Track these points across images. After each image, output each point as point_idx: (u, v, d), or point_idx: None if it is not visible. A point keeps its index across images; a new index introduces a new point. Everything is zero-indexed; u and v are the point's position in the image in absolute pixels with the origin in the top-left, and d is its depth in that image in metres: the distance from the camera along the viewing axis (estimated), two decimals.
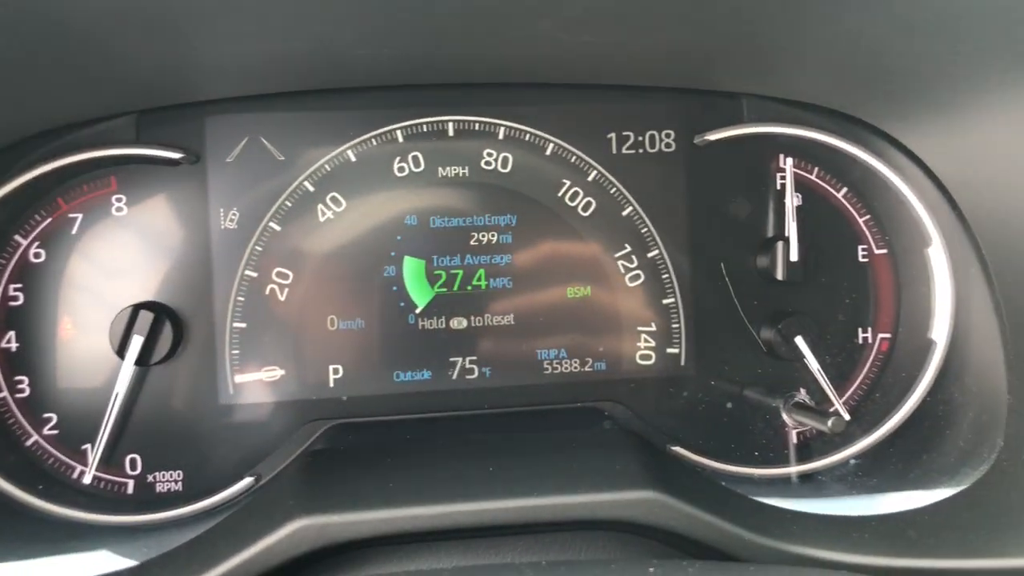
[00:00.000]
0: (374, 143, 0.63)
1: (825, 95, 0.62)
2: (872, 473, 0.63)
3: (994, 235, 0.59)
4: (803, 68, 0.59)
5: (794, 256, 0.64)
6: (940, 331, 0.64)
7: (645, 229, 0.64)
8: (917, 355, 0.65)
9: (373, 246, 0.62)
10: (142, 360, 0.59)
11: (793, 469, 0.65)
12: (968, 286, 0.62)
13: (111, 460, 0.61)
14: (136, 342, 0.59)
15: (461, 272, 0.64)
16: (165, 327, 0.60)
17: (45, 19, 0.46)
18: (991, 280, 0.59)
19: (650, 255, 0.65)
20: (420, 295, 0.63)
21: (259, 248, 0.62)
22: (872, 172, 0.64)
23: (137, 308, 0.59)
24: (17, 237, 0.60)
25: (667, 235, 0.64)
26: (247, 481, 0.60)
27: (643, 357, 0.65)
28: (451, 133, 0.63)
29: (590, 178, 0.64)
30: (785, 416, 0.65)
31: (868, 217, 0.66)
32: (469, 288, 0.64)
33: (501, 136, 0.64)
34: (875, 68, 0.54)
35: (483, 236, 0.64)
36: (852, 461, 0.65)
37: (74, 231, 0.60)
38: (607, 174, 0.64)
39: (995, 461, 0.56)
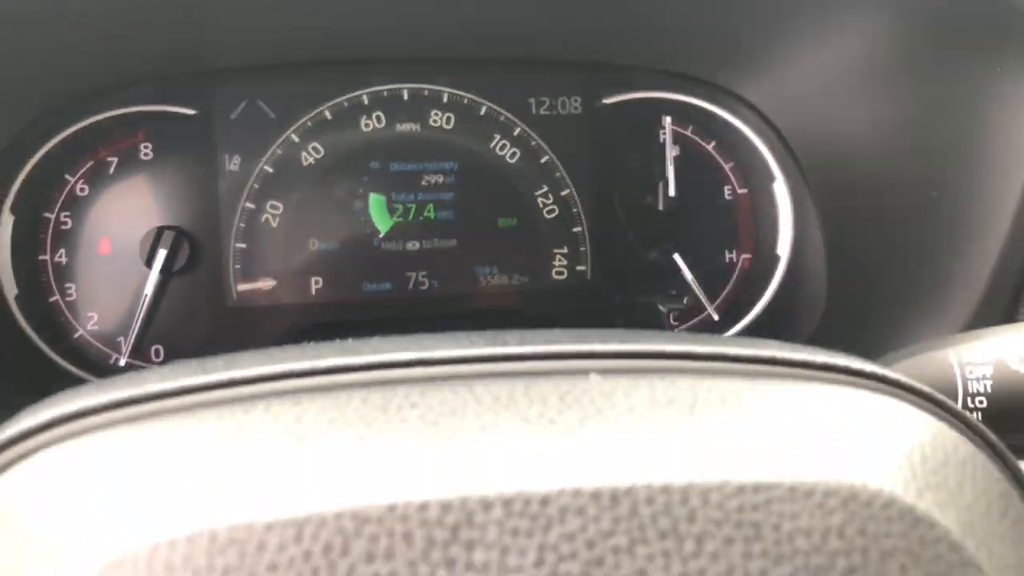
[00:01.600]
0: (345, 104, 0.80)
1: (692, 65, 0.81)
2: None
3: (817, 169, 0.78)
4: (674, 45, 0.78)
5: (671, 192, 0.83)
6: (783, 248, 0.83)
7: (559, 174, 0.83)
8: (768, 268, 0.84)
9: (345, 184, 0.80)
10: (165, 270, 0.76)
11: None
12: (803, 212, 0.81)
13: (140, 349, 0.77)
14: (161, 254, 0.76)
15: (415, 206, 0.81)
16: (183, 244, 0.77)
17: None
18: (817, 206, 0.79)
19: (562, 194, 0.83)
20: (382, 223, 0.81)
21: (256, 186, 0.79)
22: (730, 126, 0.83)
23: (162, 229, 0.76)
24: (67, 176, 0.77)
25: (576, 178, 0.83)
26: None
27: (558, 273, 0.83)
28: (405, 97, 0.81)
29: (515, 133, 0.82)
30: (670, 318, 0.84)
31: (732, 164, 0.84)
32: (421, 218, 0.81)
33: (445, 100, 0.82)
34: (720, 37, 0.74)
35: (431, 178, 0.82)
36: None
37: (111, 171, 0.77)
38: (528, 130, 0.83)
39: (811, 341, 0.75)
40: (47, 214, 0.76)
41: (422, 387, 0.28)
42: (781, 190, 0.82)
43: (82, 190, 0.77)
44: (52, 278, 0.76)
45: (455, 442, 0.25)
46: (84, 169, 0.77)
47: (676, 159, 0.84)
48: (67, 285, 0.77)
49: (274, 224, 0.79)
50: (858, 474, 0.26)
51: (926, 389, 0.31)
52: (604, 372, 0.29)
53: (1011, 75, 0.59)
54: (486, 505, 0.23)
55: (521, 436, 0.26)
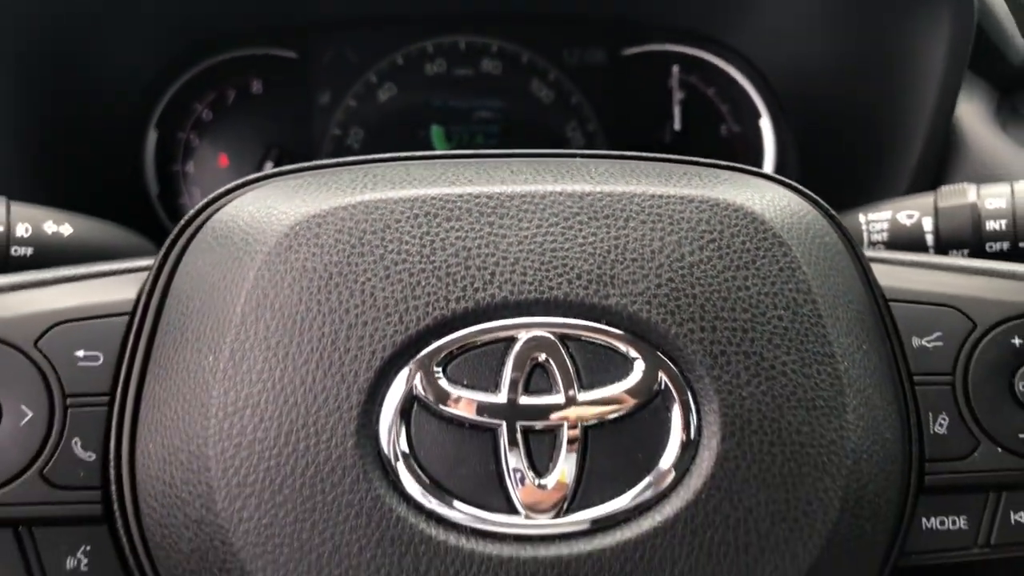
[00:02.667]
0: (413, 52, 1.00)
1: (695, 22, 1.00)
2: None
3: (792, 101, 0.96)
4: (683, 5, 0.97)
5: (677, 127, 1.01)
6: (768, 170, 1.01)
7: (586, 111, 1.02)
8: None
9: (412, 116, 1.00)
10: None
11: None
12: (783, 141, 0.99)
13: None
14: (268, 165, 0.97)
15: (467, 135, 1.01)
16: (285, 161, 0.97)
17: None
18: (795, 136, 0.97)
19: (589, 128, 1.02)
20: (441, 148, 1.01)
21: (341, 116, 0.99)
22: (725, 74, 1.01)
23: (269, 148, 0.97)
24: (196, 104, 0.97)
25: (599, 115, 1.02)
26: None
27: None
28: (462, 47, 1.01)
29: (550, 78, 1.02)
30: None
31: (727, 106, 1.03)
32: (472, 145, 1.01)
33: (494, 50, 1.01)
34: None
35: (481, 114, 1.01)
36: None
37: (230, 102, 0.98)
38: (561, 76, 1.02)
39: None
40: (180, 134, 0.97)
41: (469, 162, 0.47)
42: (766, 125, 1.00)
43: (207, 116, 0.98)
44: (183, 184, 0.97)
45: (487, 172, 0.45)
46: (209, 99, 0.97)
47: (681, 101, 1.02)
48: (194, 189, 0.97)
49: (356, 147, 0.99)
50: (727, 195, 0.44)
51: (784, 179, 0.50)
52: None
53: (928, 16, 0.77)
54: (495, 195, 0.43)
55: (520, 178, 0.45)
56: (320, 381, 0.40)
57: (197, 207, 0.47)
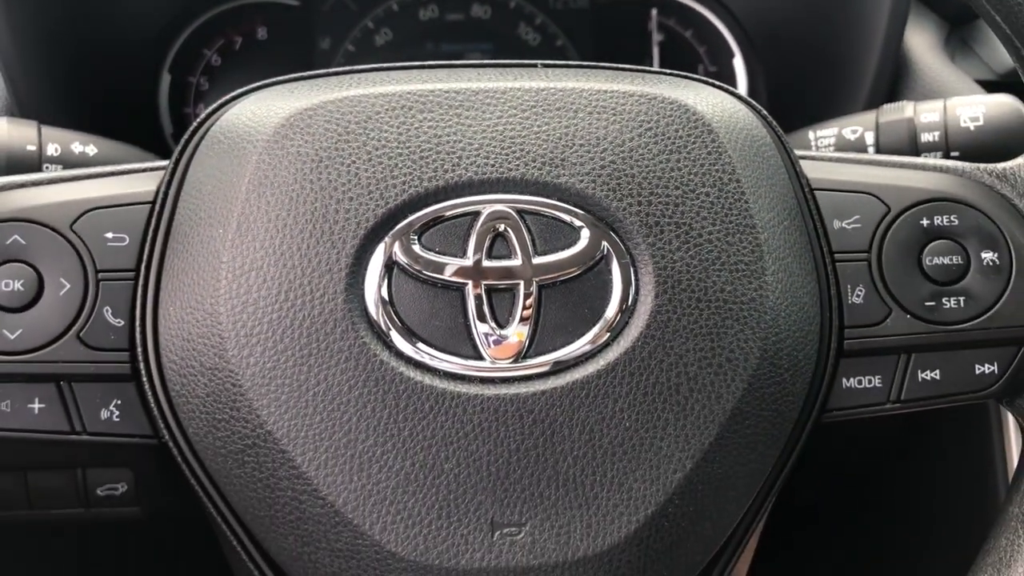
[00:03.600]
0: (408, 1, 1.07)
1: None
2: None
3: (761, 38, 1.03)
4: None
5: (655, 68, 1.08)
6: None
7: (570, 53, 1.08)
8: None
9: (408, 59, 1.06)
10: None
11: None
12: (754, 78, 1.06)
13: None
14: None
15: None
16: None
17: None
18: (764, 72, 1.03)
19: None
20: None
21: (341, 60, 1.06)
22: (699, 15, 1.08)
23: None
24: (205, 50, 1.05)
25: (583, 58, 1.09)
26: None
27: None
28: None
29: (537, 22, 1.08)
30: None
31: (704, 48, 1.09)
32: None
33: None
34: None
35: (473, 56, 1.08)
36: None
37: (237, 47, 1.05)
38: (547, 20, 1.08)
39: None
40: (190, 78, 1.04)
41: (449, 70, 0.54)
42: (739, 64, 1.07)
43: (216, 61, 1.05)
44: None
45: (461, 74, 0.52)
46: (217, 45, 1.04)
47: (660, 43, 1.09)
48: None
49: None
50: (665, 91, 0.51)
51: (725, 86, 0.57)
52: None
53: None
54: (462, 90, 0.50)
55: (485, 77, 0.52)
56: (313, 248, 0.48)
57: (207, 111, 0.55)
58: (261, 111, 0.51)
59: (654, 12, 1.08)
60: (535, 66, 0.55)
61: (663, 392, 0.48)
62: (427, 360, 0.48)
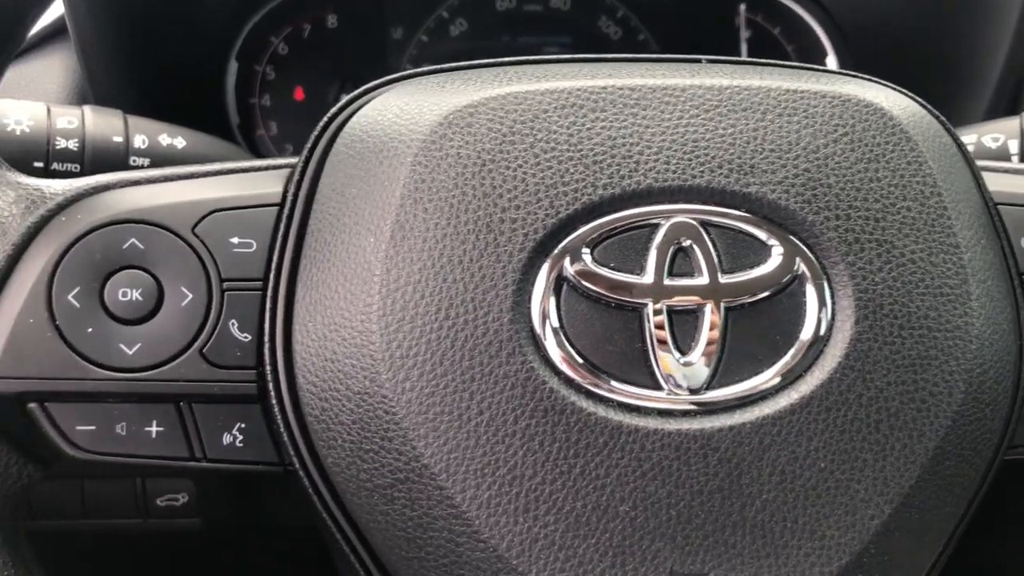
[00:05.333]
0: None
1: None
2: None
3: (857, 39, 0.97)
4: None
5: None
6: None
7: (653, 48, 1.03)
8: None
9: (482, 51, 1.01)
10: None
11: None
12: None
13: None
14: (343, 98, 0.98)
15: None
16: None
17: None
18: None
19: None
20: None
21: (414, 51, 1.01)
22: (791, 12, 1.03)
23: (344, 81, 0.99)
24: (272, 38, 0.99)
25: (666, 53, 1.03)
26: None
27: None
28: None
29: (618, 15, 1.03)
30: None
31: (793, 46, 1.04)
32: None
33: None
34: None
35: (549, 50, 1.03)
36: None
37: (305, 36, 1.00)
38: (629, 13, 1.03)
39: None
40: (256, 67, 0.99)
41: (605, 64, 0.49)
42: (832, 64, 1.02)
43: (283, 49, 0.99)
44: (260, 117, 0.99)
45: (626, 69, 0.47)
46: (285, 33, 0.99)
47: (747, 40, 1.03)
48: (271, 122, 0.99)
49: None
50: (856, 92, 0.46)
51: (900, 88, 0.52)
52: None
53: None
54: (637, 87, 0.45)
55: (658, 73, 0.47)
56: (476, 261, 0.43)
57: (338, 106, 0.50)
58: (412, 108, 0.46)
59: (742, 7, 1.03)
60: (699, 61, 0.50)
61: (861, 430, 0.43)
62: (601, 389, 0.43)
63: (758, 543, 0.43)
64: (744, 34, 1.03)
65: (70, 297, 0.45)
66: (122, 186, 0.48)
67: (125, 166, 0.63)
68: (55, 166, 0.62)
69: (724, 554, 0.43)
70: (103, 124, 0.63)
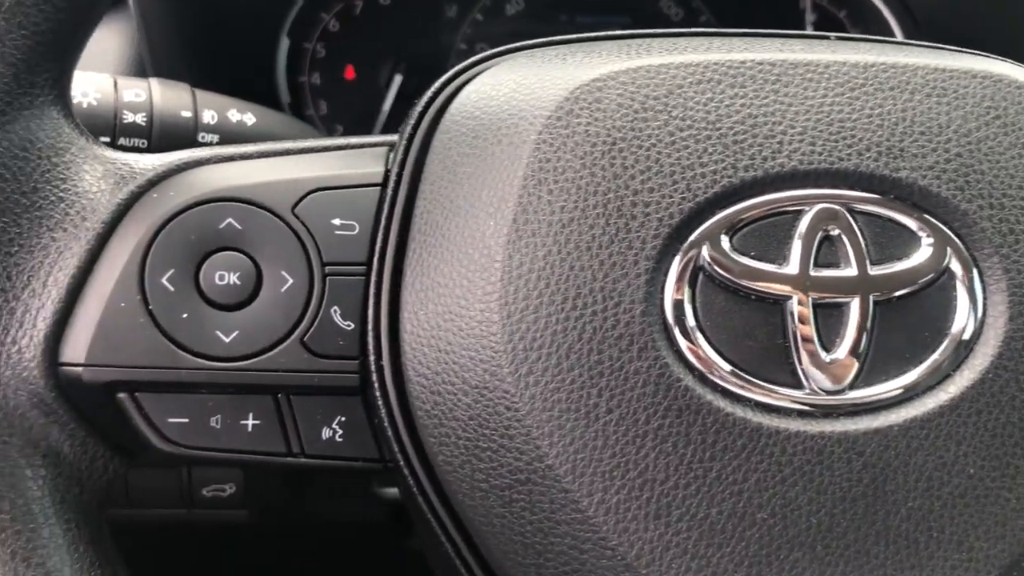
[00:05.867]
0: None
1: None
2: None
3: (929, 24, 0.94)
4: None
5: None
6: None
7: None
8: None
9: (539, 32, 0.98)
10: (400, 94, 0.95)
11: None
12: None
13: None
14: (396, 80, 0.95)
15: None
16: (411, 73, 0.96)
17: None
18: None
19: None
20: None
21: (468, 30, 0.97)
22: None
23: (397, 60, 0.96)
24: (323, 14, 0.96)
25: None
26: None
27: None
28: None
29: None
30: None
31: (859, 29, 1.01)
32: None
33: None
34: None
35: (608, 31, 0.99)
36: None
37: (357, 12, 0.96)
38: None
39: None
40: (306, 44, 0.95)
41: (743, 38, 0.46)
42: None
43: (334, 26, 0.96)
44: (309, 96, 0.96)
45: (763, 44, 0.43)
46: (336, 9, 0.96)
47: (813, 23, 1.00)
48: (320, 101, 0.96)
49: None
50: (1006, 71, 0.43)
51: None
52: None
53: None
54: (778, 63, 0.41)
55: (797, 48, 0.44)
56: (607, 247, 0.39)
57: (441, 81, 0.46)
58: (532, 82, 0.42)
59: None
60: (828, 38, 0.47)
61: (1013, 434, 0.40)
62: (739, 388, 0.40)
63: (902, 554, 0.40)
64: (810, 17, 0.99)
65: (164, 280, 0.42)
66: (215, 162, 0.44)
67: (193, 142, 0.60)
68: (122, 141, 0.59)
69: (866, 565, 0.40)
70: (171, 98, 0.60)
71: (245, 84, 0.89)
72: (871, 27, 0.99)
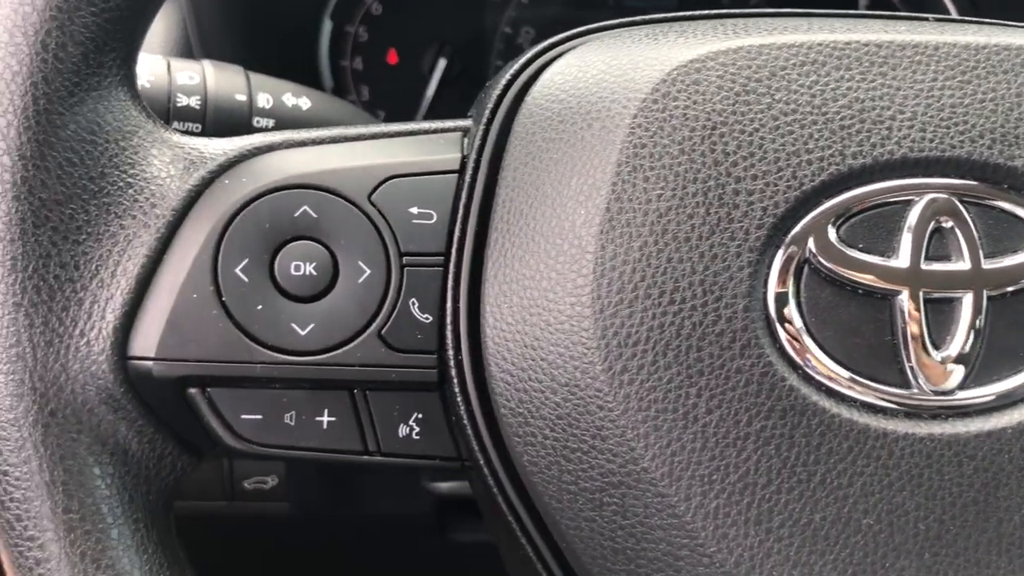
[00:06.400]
0: None
1: None
2: None
3: (994, 11, 0.91)
4: None
5: None
6: None
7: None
8: None
9: (587, 14, 0.96)
10: (443, 79, 0.93)
11: None
12: None
13: None
14: (441, 64, 0.93)
15: None
16: (457, 59, 0.94)
17: None
18: None
19: None
20: None
21: (513, 13, 0.95)
22: None
23: (442, 44, 0.93)
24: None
25: None
26: None
27: None
28: None
29: None
30: None
31: (912, 8, 0.98)
32: None
33: None
34: None
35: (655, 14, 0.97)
36: None
37: None
38: None
39: None
40: (348, 28, 0.93)
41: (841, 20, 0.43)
42: None
43: (376, 9, 0.94)
44: (351, 80, 0.94)
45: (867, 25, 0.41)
46: None
47: (866, 7, 0.97)
48: (363, 87, 0.94)
49: (526, 47, 0.95)
50: None
51: None
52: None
53: None
54: (885, 44, 0.39)
55: (902, 29, 0.41)
56: (707, 238, 0.37)
57: (520, 63, 0.44)
58: (624, 63, 0.40)
59: None
60: (926, 19, 0.44)
61: None
62: (844, 388, 0.38)
63: (1015, 564, 0.38)
64: (863, 3, 0.97)
65: (238, 270, 0.40)
66: (287, 147, 0.43)
67: (248, 127, 0.58)
68: (175, 125, 0.57)
69: (977, 575, 0.38)
70: (225, 81, 0.58)
71: (289, 69, 0.87)
72: (926, 8, 0.96)
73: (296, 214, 0.40)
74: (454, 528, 0.87)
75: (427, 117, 0.94)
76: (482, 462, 0.41)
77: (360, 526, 0.91)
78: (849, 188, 0.38)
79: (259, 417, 0.40)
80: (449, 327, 0.41)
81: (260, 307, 0.40)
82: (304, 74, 0.91)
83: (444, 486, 0.79)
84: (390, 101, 0.94)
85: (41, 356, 0.38)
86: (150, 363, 0.39)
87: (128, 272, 0.39)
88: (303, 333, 0.40)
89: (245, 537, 0.91)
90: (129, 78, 0.41)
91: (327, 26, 0.91)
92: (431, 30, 0.94)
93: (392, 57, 0.94)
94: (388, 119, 0.94)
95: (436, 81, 0.93)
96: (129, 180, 0.40)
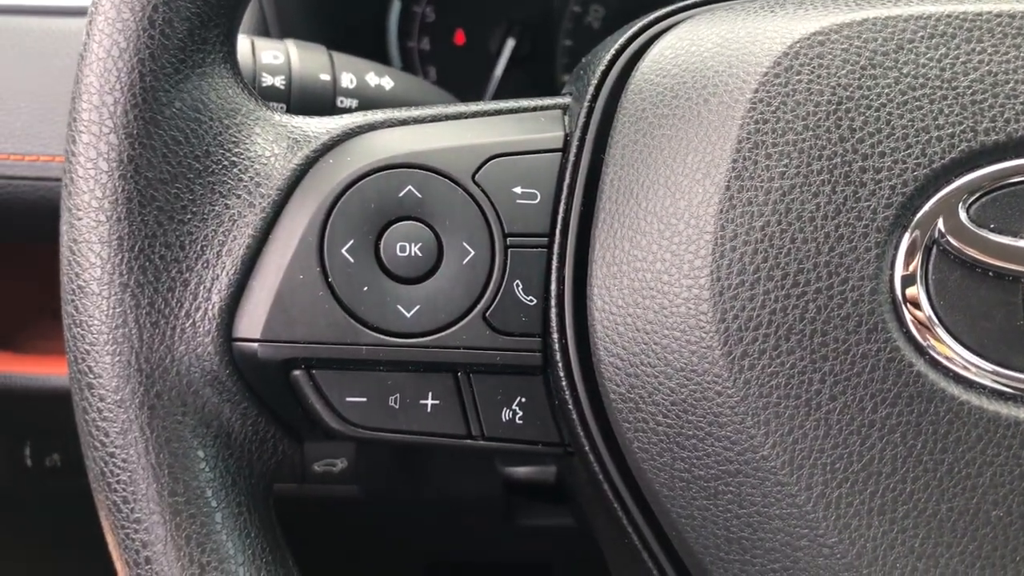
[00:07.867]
0: None
1: None
2: None
3: None
4: None
5: None
6: None
7: None
8: None
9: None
10: (512, 59, 0.92)
11: None
12: None
13: None
14: (509, 44, 0.92)
15: None
16: (524, 37, 0.92)
17: None
18: None
19: None
20: None
21: None
22: None
23: (510, 24, 0.92)
24: None
25: None
26: None
27: None
28: None
29: None
30: None
31: None
32: None
33: None
34: None
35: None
36: None
37: None
38: None
39: None
40: (415, 8, 0.92)
41: None
42: None
43: None
44: (418, 61, 0.93)
45: None
46: None
47: None
48: (430, 67, 0.93)
49: (595, 26, 0.94)
50: None
51: None
52: None
53: None
54: (1018, 14, 0.37)
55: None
56: (832, 218, 0.36)
57: (626, 36, 0.43)
58: (741, 36, 0.39)
59: None
60: None
61: None
62: (974, 374, 0.36)
63: None
64: None
65: (344, 251, 0.39)
66: (388, 126, 0.42)
67: (332, 107, 0.58)
68: None
69: None
70: (309, 61, 0.57)
71: (357, 50, 0.86)
72: None
73: (401, 194, 0.40)
74: (522, 513, 0.87)
75: (495, 98, 0.93)
76: (587, 448, 0.40)
77: (426, 508, 0.91)
78: (981, 166, 0.36)
79: (364, 400, 0.40)
80: (554, 310, 0.40)
81: (366, 288, 0.39)
82: (372, 55, 0.90)
83: (521, 471, 0.78)
84: (457, 81, 0.93)
85: (147, 337, 0.38)
86: (255, 345, 0.39)
87: (233, 252, 0.39)
88: (408, 315, 0.39)
89: (314, 518, 0.91)
90: (231, 55, 0.41)
91: (396, 6, 0.90)
92: (499, 10, 0.93)
93: (460, 37, 0.93)
94: (460, 99, 0.93)
95: (504, 61, 0.92)
96: (234, 159, 0.39)
